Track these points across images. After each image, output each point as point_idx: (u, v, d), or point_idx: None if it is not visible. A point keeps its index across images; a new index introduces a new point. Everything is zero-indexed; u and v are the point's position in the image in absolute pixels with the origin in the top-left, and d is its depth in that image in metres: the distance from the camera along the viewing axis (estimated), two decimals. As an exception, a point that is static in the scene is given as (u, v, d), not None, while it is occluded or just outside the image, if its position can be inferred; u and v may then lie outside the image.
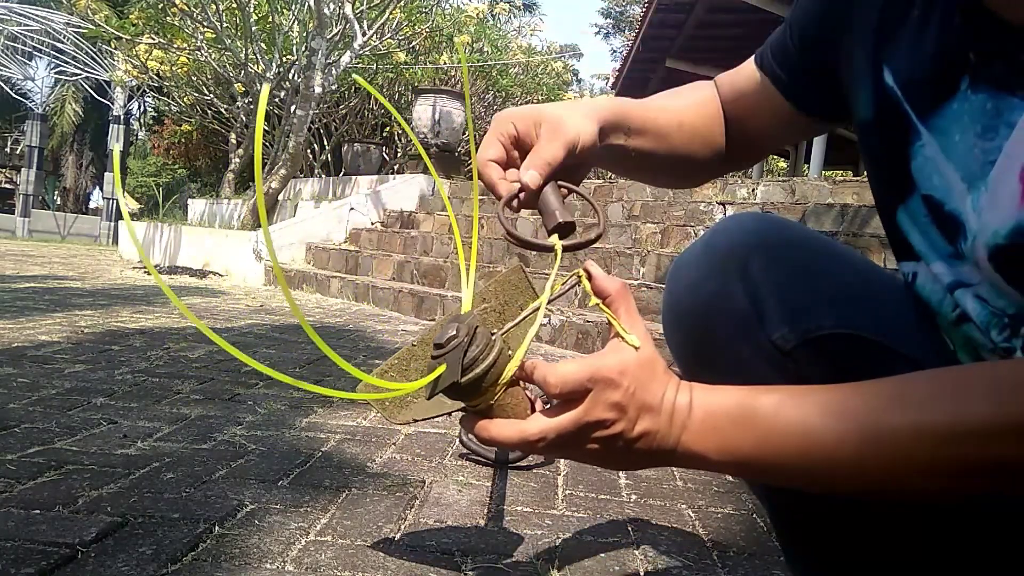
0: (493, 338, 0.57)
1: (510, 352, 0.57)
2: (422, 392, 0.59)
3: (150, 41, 7.93)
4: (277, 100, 7.96)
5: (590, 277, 0.58)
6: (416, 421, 0.65)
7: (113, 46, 9.50)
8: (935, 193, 0.57)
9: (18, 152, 19.01)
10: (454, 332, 0.56)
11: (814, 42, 0.69)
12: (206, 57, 7.74)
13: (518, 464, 1.39)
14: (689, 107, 0.76)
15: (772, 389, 0.53)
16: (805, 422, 0.50)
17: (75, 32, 10.80)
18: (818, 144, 5.54)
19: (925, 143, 0.57)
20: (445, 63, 8.59)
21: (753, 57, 0.77)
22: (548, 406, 0.56)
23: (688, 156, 0.76)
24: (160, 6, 7.55)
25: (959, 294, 0.57)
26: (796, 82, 0.72)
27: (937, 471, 0.47)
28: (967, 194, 0.54)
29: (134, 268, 5.89)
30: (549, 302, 0.60)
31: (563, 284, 0.60)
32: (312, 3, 6.47)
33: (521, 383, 0.59)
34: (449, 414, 0.56)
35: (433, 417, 0.59)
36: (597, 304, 0.57)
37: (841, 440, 0.49)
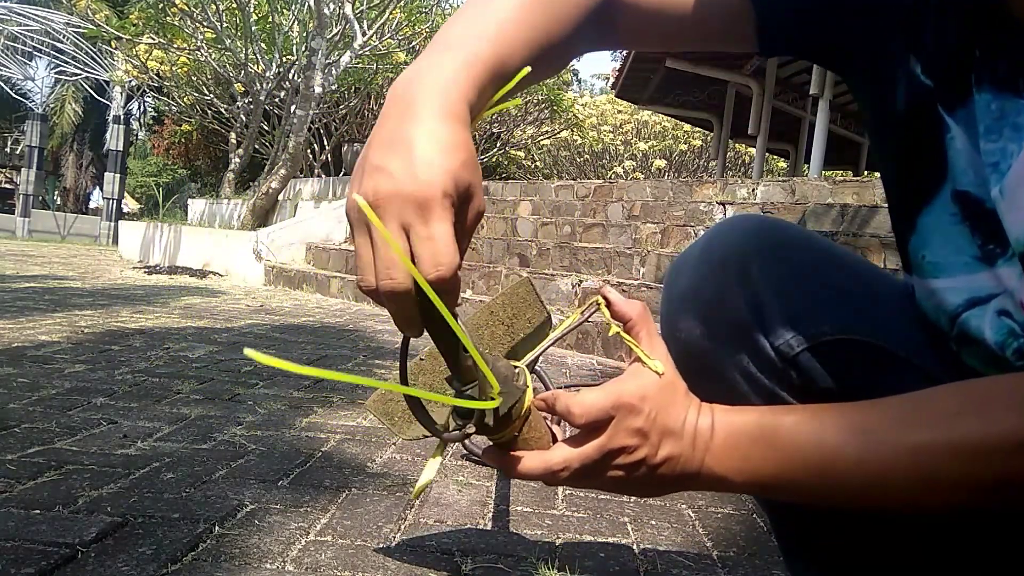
0: (516, 371, 0.55)
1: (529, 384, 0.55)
2: (439, 411, 0.58)
3: (150, 41, 7.93)
4: (277, 100, 7.97)
5: (608, 304, 0.56)
6: (426, 437, 0.64)
7: (113, 46, 9.50)
8: (972, 189, 0.53)
9: (18, 152, 19.01)
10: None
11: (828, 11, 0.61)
12: (206, 57, 7.74)
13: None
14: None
15: (792, 408, 0.53)
16: (826, 441, 0.50)
17: (75, 32, 10.82)
18: (818, 144, 5.54)
19: (955, 136, 0.54)
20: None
21: None
22: (568, 435, 0.55)
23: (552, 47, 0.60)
24: (160, 6, 7.55)
25: (967, 317, 0.55)
26: (779, 24, 0.63)
27: (965, 487, 0.46)
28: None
29: (134, 268, 5.89)
30: (567, 333, 0.59)
31: (581, 312, 0.58)
32: (312, 3, 6.47)
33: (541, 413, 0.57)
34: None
35: None
36: (617, 331, 0.55)
37: (864, 459, 0.48)
